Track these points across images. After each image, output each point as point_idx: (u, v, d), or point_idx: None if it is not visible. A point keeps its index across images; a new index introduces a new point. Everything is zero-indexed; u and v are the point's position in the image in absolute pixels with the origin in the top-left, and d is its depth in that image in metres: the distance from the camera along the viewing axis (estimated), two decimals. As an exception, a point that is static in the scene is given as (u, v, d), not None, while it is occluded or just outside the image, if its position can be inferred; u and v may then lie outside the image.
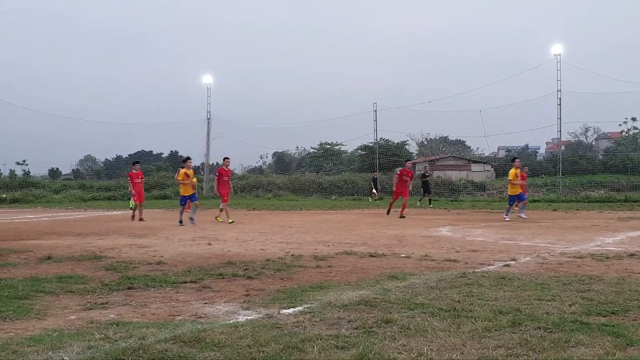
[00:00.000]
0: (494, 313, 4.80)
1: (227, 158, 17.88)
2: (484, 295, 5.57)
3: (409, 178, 19.01)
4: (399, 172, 19.69)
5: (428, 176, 28.56)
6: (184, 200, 16.20)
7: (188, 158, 16.93)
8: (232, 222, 16.06)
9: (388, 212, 19.32)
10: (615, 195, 30.80)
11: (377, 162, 40.30)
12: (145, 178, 20.03)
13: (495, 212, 21.74)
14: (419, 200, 27.25)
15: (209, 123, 41.86)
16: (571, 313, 4.82)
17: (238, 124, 50.53)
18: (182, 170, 16.38)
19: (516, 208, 17.60)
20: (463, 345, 3.96)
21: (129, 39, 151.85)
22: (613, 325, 4.40)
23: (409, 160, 22.86)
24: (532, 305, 5.10)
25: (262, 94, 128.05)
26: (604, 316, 4.75)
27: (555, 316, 4.68)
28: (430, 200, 27.70)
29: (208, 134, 41.82)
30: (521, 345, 3.92)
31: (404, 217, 18.10)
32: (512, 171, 17.35)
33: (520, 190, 17.36)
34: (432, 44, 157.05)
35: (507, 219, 16.54)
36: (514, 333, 4.23)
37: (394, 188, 19.52)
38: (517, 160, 18.35)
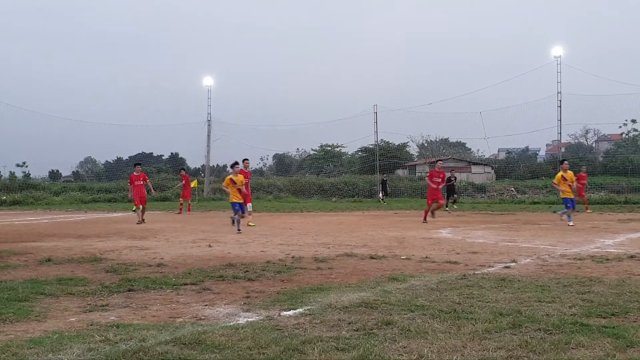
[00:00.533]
0: (494, 315, 4.80)
1: (247, 159, 16.80)
2: (484, 297, 5.57)
3: (440, 179, 17.56)
4: (429, 174, 18.20)
5: (453, 180, 26.85)
6: (235, 206, 14.34)
7: (236, 163, 15.09)
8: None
9: (425, 219, 17.25)
10: (615, 197, 30.79)
11: (378, 164, 40.30)
12: (148, 179, 19.65)
13: (495, 214, 21.74)
14: (453, 204, 25.83)
15: (209, 125, 41.88)
16: (571, 315, 4.82)
17: (239, 126, 50.51)
18: (228, 177, 14.93)
19: (571, 211, 15.71)
20: (463, 347, 3.96)
21: (128, 40, 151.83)
22: (613, 327, 4.41)
23: (441, 160, 20.11)
24: (533, 307, 5.11)
25: (262, 95, 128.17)
26: (604, 318, 4.75)
27: (555, 318, 4.69)
28: (454, 201, 26.24)
29: (209, 135, 41.82)
30: (521, 347, 3.92)
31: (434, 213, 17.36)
32: (558, 175, 16.19)
33: (569, 195, 15.74)
34: (432, 45, 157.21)
35: (570, 224, 15.05)
36: (514, 335, 4.23)
37: (430, 190, 17.63)
38: (565, 162, 16.82)
